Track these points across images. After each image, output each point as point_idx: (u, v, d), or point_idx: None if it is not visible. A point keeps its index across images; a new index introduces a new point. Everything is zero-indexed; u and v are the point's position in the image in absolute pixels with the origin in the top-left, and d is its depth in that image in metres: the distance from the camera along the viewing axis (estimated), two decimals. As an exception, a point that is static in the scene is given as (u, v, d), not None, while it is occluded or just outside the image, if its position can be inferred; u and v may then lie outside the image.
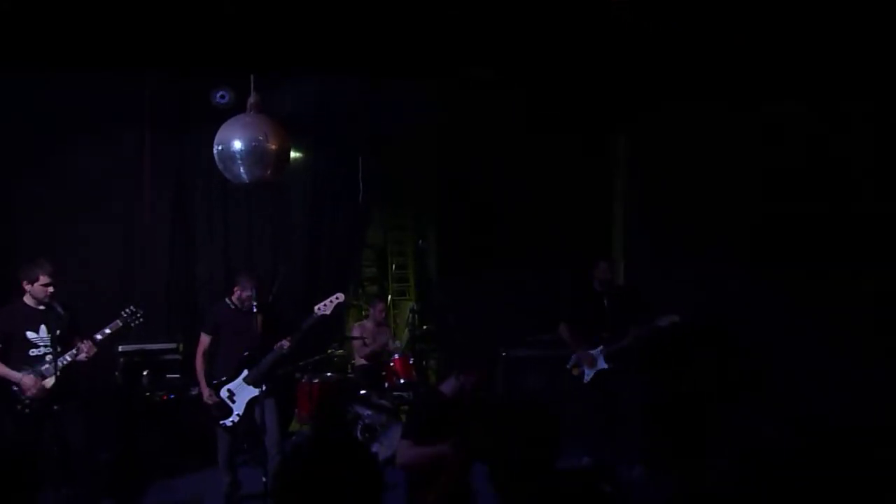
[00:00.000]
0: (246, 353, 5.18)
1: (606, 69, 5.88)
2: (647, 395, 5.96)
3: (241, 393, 5.20)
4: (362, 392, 6.57)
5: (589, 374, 5.91)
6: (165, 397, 6.16)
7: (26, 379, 4.67)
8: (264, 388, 5.10)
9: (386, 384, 6.83)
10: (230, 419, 5.19)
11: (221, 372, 5.27)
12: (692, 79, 5.83)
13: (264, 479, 4.98)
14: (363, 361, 7.20)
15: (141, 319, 4.96)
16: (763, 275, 5.78)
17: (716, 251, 6.24)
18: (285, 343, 5.18)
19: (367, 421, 6.25)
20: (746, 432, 5.46)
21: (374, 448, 6.05)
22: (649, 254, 7.25)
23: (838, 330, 5.18)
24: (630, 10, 4.78)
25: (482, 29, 5.12)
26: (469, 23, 5.03)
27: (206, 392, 5.24)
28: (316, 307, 5.28)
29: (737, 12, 4.85)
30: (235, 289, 5.32)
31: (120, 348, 6.09)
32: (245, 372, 5.20)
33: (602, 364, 5.86)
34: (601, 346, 5.87)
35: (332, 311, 5.32)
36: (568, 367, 6.04)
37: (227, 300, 5.38)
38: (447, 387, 3.90)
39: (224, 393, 5.22)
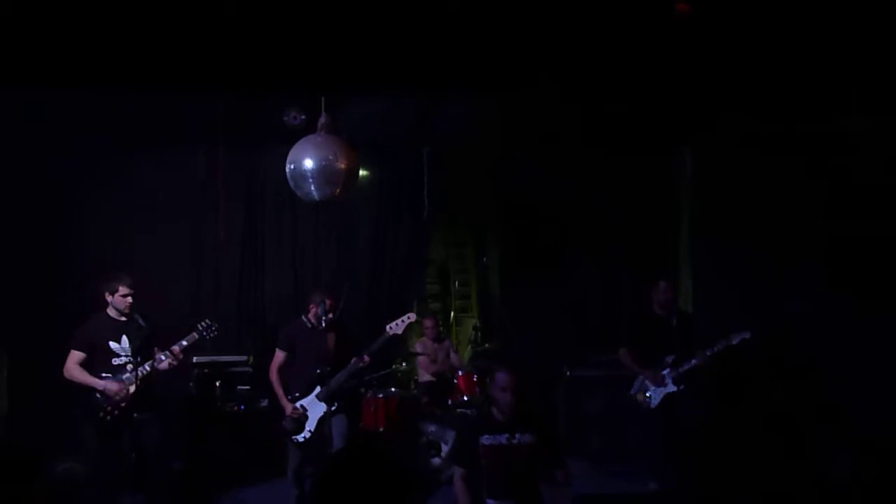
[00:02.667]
0: (318, 371, 5.17)
1: (672, 83, 5.83)
2: (716, 420, 5.81)
3: (313, 409, 5.20)
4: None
5: (656, 399, 5.73)
6: (236, 408, 6.32)
7: (111, 384, 4.83)
8: (335, 405, 5.12)
9: (449, 400, 6.85)
10: (302, 435, 5.19)
11: (294, 388, 5.28)
12: (758, 94, 5.74)
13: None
14: (427, 377, 7.23)
15: (216, 332, 5.12)
16: (832, 294, 5.60)
17: (783, 269, 6.08)
18: (361, 361, 5.18)
19: (430, 437, 6.27)
20: (816, 458, 5.28)
21: (435, 462, 6.06)
22: (715, 272, 7.10)
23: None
24: (694, 21, 4.77)
25: (548, 43, 5.16)
26: (535, 37, 5.08)
27: (288, 408, 5.22)
28: (387, 326, 5.29)
29: (805, 27, 4.78)
30: (311, 306, 5.32)
31: (194, 359, 6.27)
32: (318, 389, 5.20)
33: (671, 387, 5.68)
34: (668, 369, 5.70)
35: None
36: (632, 392, 5.86)
37: (303, 318, 5.39)
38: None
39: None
